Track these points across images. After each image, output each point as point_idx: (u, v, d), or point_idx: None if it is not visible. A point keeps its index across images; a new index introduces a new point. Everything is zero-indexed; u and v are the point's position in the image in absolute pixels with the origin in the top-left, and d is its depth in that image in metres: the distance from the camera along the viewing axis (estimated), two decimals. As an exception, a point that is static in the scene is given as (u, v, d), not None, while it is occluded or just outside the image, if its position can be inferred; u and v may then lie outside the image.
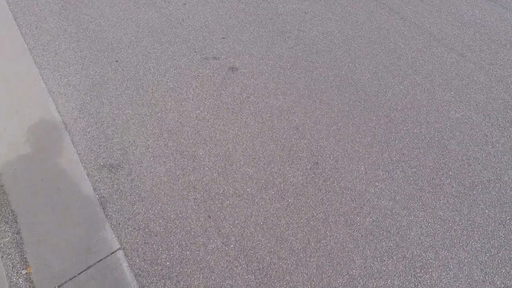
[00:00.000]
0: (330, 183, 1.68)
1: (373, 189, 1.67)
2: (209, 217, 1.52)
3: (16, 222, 1.43)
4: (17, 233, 1.40)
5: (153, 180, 1.64)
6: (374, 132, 1.98)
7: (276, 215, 1.54)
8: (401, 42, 2.73)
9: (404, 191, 1.69)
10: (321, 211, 1.57)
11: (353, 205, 1.60)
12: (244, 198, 1.59)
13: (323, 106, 2.14)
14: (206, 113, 2.00)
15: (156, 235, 1.44)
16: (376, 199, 1.63)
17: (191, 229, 1.47)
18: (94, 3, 2.65)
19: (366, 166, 1.77)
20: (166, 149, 1.77)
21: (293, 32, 2.70)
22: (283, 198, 1.60)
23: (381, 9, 3.09)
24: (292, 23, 2.80)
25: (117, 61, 2.20)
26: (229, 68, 2.30)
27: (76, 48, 2.26)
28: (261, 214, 1.54)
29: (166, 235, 1.45)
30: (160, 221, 1.49)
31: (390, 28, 2.87)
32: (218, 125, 1.94)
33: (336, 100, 2.18)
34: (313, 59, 2.51)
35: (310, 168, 1.75)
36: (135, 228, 1.46)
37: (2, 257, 1.32)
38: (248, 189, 1.63)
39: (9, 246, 1.36)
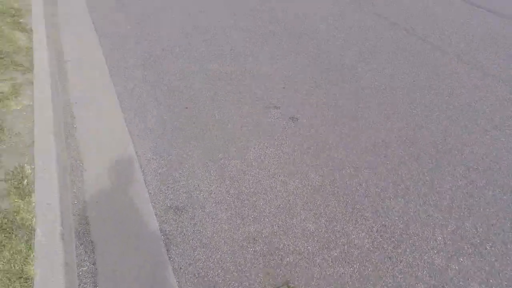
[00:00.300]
0: (401, 251, 1.52)
1: (457, 266, 1.46)
2: (268, 274, 1.46)
3: (93, 252, 1.54)
4: (93, 264, 1.49)
5: (214, 226, 1.67)
6: (452, 195, 1.80)
7: (340, 283, 1.42)
8: (477, 96, 2.56)
9: (498, 272, 1.45)
10: (392, 286, 1.41)
11: (432, 283, 1.41)
12: (304, 257, 1.52)
13: (388, 162, 2.04)
14: (267, 162, 2.03)
15: (214, 286, 1.43)
16: (462, 280, 1.42)
17: (249, 285, 1.43)
18: (170, 57, 2.99)
19: (445, 236, 1.58)
20: (228, 196, 1.81)
21: (353, 85, 2.71)
22: (347, 262, 1.49)
23: (454, 62, 2.98)
24: (351, 69, 2.82)
25: (186, 108, 2.40)
26: (290, 118, 2.35)
27: (154, 95, 2.53)
28: (323, 278, 1.44)
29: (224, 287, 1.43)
30: (219, 271, 1.48)
31: (460, 79, 2.73)
32: (279, 176, 1.94)
33: (403, 156, 2.07)
34: (377, 112, 2.46)
35: (377, 231, 1.62)
36: (195, 275, 1.47)
37: (79, 285, 1.41)
38: (309, 247, 1.56)
39: (86, 276, 1.45)
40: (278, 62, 2.95)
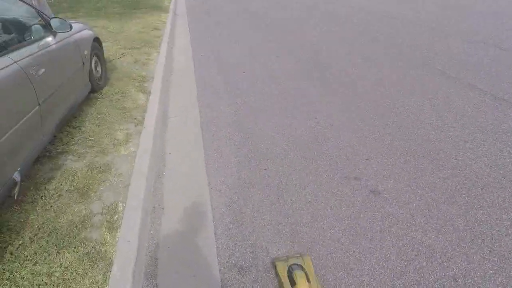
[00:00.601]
0: None
1: None
2: None
3: (154, 298, 1.56)
4: (152, 309, 1.50)
5: (276, 296, 1.54)
6: None
7: None
8: None
9: None
10: None
11: None
12: None
13: (494, 258, 1.65)
14: (341, 235, 1.87)
15: None
16: None
17: None
18: (255, 118, 3.23)
19: None
20: (295, 265, 1.69)
21: (449, 161, 2.43)
22: None
23: None
24: (448, 152, 2.55)
25: (265, 169, 2.48)
26: (371, 191, 2.19)
27: (236, 153, 2.71)
28: None
29: None
30: None
31: None
32: (353, 252, 1.75)
33: (518, 255, 1.65)
34: (477, 195, 2.11)
35: None
36: None
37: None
38: None
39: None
40: (364, 133, 2.90)
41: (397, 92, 3.64)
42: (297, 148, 2.72)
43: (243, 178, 2.40)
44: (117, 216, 1.98)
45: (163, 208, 2.17)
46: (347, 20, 7.68)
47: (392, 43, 5.59)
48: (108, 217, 1.96)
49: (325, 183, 2.29)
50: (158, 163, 2.65)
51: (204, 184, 2.37)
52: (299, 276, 1.55)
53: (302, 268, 1.63)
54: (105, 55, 5.00)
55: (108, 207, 2.05)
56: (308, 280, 1.55)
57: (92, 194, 2.15)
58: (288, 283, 1.56)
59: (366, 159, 2.51)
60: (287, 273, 1.61)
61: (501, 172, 2.29)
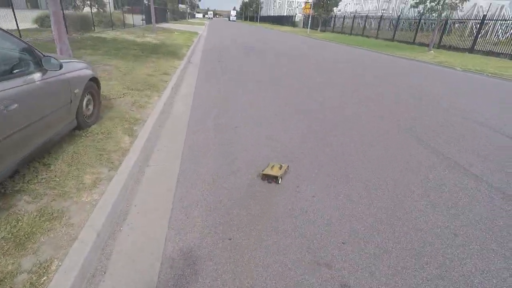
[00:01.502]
0: None
1: None
2: None
3: None
4: None
5: None
6: None
7: None
8: None
9: None
10: None
11: None
12: None
13: None
14: None
15: None
16: None
17: None
18: (235, 178, 3.07)
19: None
20: None
21: (435, 258, 2.16)
22: None
23: None
24: (435, 246, 2.29)
25: (230, 239, 2.24)
26: (341, 284, 1.91)
27: (206, 218, 2.49)
28: None
29: None
30: None
31: None
32: None
33: None
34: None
35: None
36: None
37: None
38: None
39: None
40: (345, 210, 2.69)
41: (388, 167, 3.48)
42: (268, 220, 2.50)
43: (204, 247, 2.15)
44: (45, 277, 1.73)
45: (104, 273, 1.92)
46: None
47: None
48: (34, 278, 1.71)
49: (292, 266, 2.02)
50: (118, 216, 2.44)
51: (159, 249, 2.12)
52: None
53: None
54: (107, 93, 5.11)
55: (41, 264, 1.81)
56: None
57: (29, 246, 1.93)
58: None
59: (343, 243, 2.26)
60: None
61: (494, 281, 2.00)
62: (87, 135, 3.52)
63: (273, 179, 3.01)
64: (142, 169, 3.18)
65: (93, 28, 14.76)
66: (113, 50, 9.46)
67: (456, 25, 21.35)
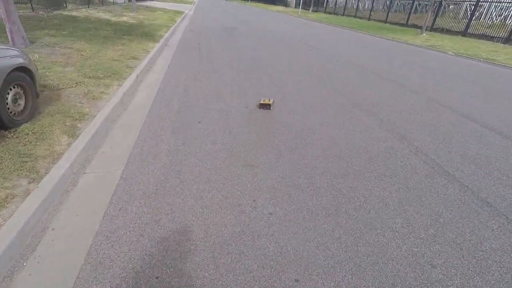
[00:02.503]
0: None
1: None
2: None
3: None
4: None
5: None
6: None
7: None
8: None
9: None
10: None
11: None
12: None
13: None
14: None
15: None
16: None
17: None
18: (182, 190, 2.62)
19: None
20: None
21: (407, 298, 1.78)
22: None
23: None
24: (408, 276, 1.91)
25: (157, 277, 1.81)
26: None
27: (135, 246, 2.06)
28: None
29: None
30: None
31: None
32: None
33: None
34: None
35: None
36: None
37: None
38: None
39: None
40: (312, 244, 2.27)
41: (365, 173, 3.07)
42: (229, 253, 2.08)
43: (124, 278, 1.73)
44: None
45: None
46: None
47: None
48: None
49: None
50: (24, 248, 1.98)
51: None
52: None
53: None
54: (57, 82, 4.52)
55: None
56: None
57: None
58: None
59: (296, 280, 1.85)
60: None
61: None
62: (13, 136, 2.99)
63: (267, 106, 4.53)
64: (75, 179, 2.70)
65: (65, 5, 13.68)
66: (80, 31, 8.66)
67: (451, 7, 20.64)
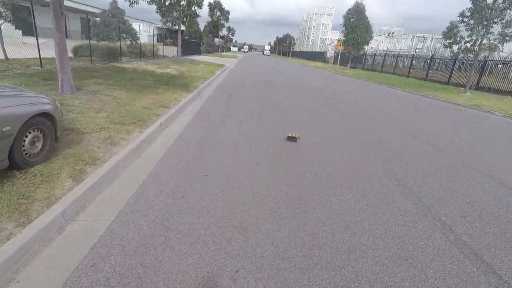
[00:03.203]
0: None
1: None
2: None
3: None
4: None
5: None
6: None
7: None
8: None
9: None
10: None
11: None
12: None
13: None
14: None
15: None
16: None
17: None
18: (164, 246, 2.42)
19: None
20: None
21: None
22: None
23: None
24: None
25: None
26: None
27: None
28: None
29: None
30: None
31: None
32: None
33: None
34: None
35: None
36: None
37: None
38: None
39: None
40: None
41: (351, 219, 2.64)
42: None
43: None
44: None
45: None
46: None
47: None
48: None
49: None
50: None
51: None
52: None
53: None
54: (84, 127, 4.82)
55: None
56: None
57: None
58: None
59: None
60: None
61: None
62: (22, 177, 3.10)
63: (294, 139, 5.54)
64: (63, 226, 2.64)
65: (120, 58, 15.50)
66: (124, 81, 9.56)
67: (499, 66, 19.79)
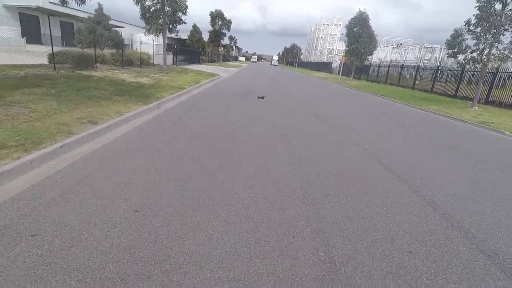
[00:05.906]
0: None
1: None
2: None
3: None
4: None
5: None
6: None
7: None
8: None
9: None
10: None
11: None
12: None
13: None
14: None
15: None
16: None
17: None
18: None
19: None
20: None
21: None
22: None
23: None
24: None
25: None
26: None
27: None
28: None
29: None
30: None
31: None
32: None
33: None
34: None
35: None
36: None
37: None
38: None
39: None
40: None
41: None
42: None
43: None
44: None
45: None
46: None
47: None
48: None
49: None
50: None
51: None
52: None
53: None
54: None
55: None
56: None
57: None
58: None
59: None
60: None
61: None
62: None
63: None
64: None
65: (95, 66, 14.56)
66: (72, 91, 8.43)
67: (512, 78, 18.07)
